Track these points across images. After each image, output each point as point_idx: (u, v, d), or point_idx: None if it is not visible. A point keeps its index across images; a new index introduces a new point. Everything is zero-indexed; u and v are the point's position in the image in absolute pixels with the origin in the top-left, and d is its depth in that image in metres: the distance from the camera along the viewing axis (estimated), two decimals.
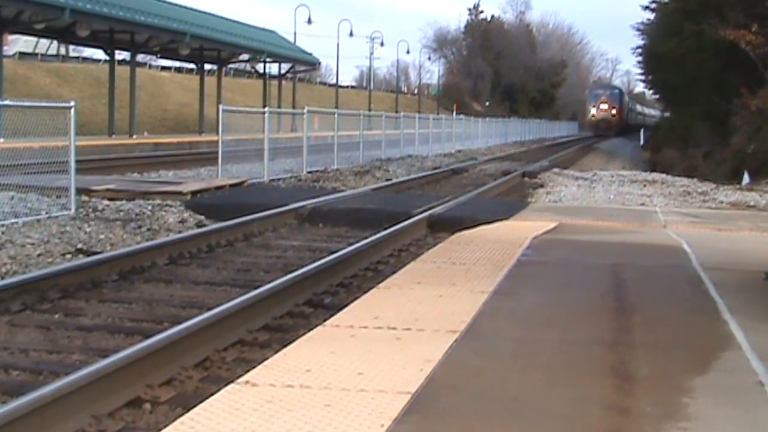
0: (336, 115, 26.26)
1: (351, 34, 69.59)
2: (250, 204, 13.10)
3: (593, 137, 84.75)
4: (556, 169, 26.51)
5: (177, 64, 60.00)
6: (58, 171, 12.93)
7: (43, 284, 7.50)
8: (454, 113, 58.52)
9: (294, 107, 46.98)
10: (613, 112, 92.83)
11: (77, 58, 62.94)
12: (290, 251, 10.58)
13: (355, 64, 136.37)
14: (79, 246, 10.02)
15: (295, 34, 60.17)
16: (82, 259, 8.86)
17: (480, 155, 38.30)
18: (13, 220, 11.10)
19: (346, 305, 6.36)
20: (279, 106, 44.97)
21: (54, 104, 15.65)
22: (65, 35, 34.22)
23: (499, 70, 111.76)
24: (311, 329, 5.62)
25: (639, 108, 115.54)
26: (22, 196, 12.71)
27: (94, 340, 6.41)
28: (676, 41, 37.51)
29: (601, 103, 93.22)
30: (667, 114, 78.59)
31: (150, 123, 46.02)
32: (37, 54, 56.35)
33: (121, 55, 42.28)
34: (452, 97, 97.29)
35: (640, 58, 65.91)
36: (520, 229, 10.63)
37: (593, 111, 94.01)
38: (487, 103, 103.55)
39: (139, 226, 11.54)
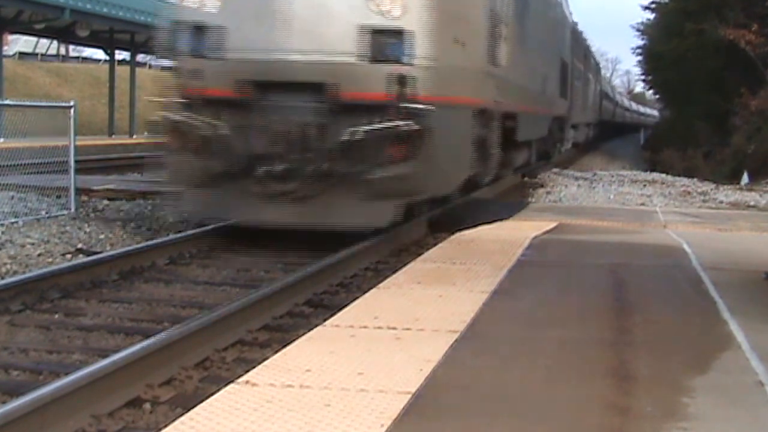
0: None
1: None
2: None
3: None
4: (556, 169, 26.46)
5: None
6: (58, 171, 12.93)
7: (43, 284, 7.50)
8: None
9: None
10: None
11: (77, 58, 62.88)
12: (290, 251, 10.55)
13: None
14: (79, 246, 10.02)
15: None
16: (82, 259, 8.86)
17: None
18: (13, 220, 11.10)
19: (346, 305, 6.35)
20: None
21: (54, 104, 15.64)
22: (65, 35, 34.20)
23: None
24: (311, 329, 5.62)
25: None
26: (22, 196, 12.70)
27: (94, 340, 6.41)
28: (676, 41, 37.47)
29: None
30: (665, 114, 77.94)
31: None
32: (37, 54, 56.32)
33: (121, 55, 42.24)
34: None
35: (639, 58, 65.84)
36: (520, 229, 10.62)
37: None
38: None
39: (139, 226, 11.54)
